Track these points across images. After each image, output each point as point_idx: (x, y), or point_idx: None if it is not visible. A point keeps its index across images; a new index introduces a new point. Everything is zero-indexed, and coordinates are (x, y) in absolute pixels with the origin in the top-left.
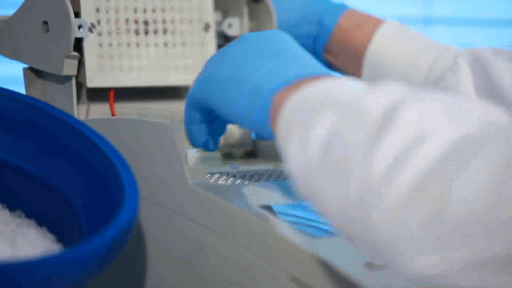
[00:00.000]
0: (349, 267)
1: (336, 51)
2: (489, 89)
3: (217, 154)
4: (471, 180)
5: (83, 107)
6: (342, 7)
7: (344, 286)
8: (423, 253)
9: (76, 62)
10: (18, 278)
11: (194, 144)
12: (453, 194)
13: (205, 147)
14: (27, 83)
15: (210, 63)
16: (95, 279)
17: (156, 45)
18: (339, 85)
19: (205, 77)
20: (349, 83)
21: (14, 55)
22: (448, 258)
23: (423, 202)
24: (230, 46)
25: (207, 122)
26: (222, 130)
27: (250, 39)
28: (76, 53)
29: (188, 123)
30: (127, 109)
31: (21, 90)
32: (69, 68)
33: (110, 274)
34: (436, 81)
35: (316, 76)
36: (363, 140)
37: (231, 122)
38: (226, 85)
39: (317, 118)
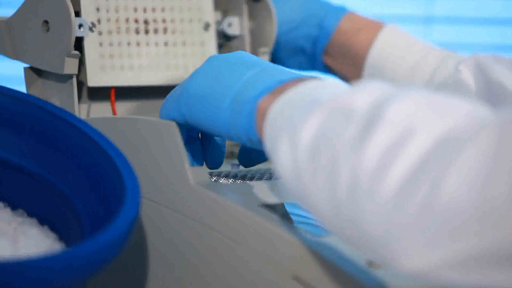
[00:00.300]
0: (351, 265)
1: (336, 54)
2: (491, 96)
3: None
4: (462, 172)
5: (84, 106)
6: (343, 10)
7: (346, 284)
8: (415, 248)
9: (76, 61)
10: (19, 277)
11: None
12: (444, 187)
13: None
14: (28, 82)
15: (181, 84)
16: (96, 277)
17: (156, 44)
18: (322, 85)
19: (180, 95)
20: (332, 83)
21: (14, 55)
22: (441, 253)
23: (413, 198)
24: (199, 67)
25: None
26: (199, 154)
27: (219, 57)
28: (76, 52)
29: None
30: (128, 108)
31: (22, 89)
32: (70, 67)
33: (112, 272)
34: (437, 88)
35: (298, 79)
36: (351, 138)
37: (216, 135)
38: (205, 99)
39: (303, 120)
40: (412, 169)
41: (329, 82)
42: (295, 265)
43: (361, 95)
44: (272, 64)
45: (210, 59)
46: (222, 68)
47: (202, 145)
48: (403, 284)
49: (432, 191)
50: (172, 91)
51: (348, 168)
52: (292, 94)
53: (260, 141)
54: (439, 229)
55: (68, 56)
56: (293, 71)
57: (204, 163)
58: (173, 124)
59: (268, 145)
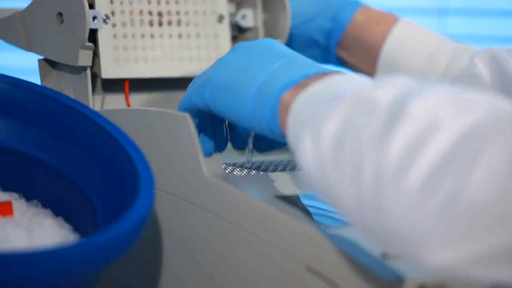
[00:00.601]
0: (365, 256)
1: (350, 47)
2: (506, 89)
3: None
4: (487, 168)
5: (98, 98)
6: (357, 3)
7: (361, 275)
8: (440, 244)
9: (91, 53)
10: (34, 267)
11: (206, 155)
12: (469, 182)
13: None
14: (43, 74)
15: (207, 71)
16: (110, 268)
17: (170, 36)
18: (346, 80)
19: (204, 83)
20: (355, 78)
21: (28, 47)
22: (466, 249)
23: (438, 193)
24: (225, 55)
25: (205, 127)
26: (223, 136)
27: (245, 46)
28: (90, 44)
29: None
30: (142, 99)
31: (36, 81)
32: (84, 59)
33: (126, 263)
34: (453, 81)
35: (322, 74)
36: (374, 132)
37: (239, 125)
38: (229, 89)
39: (327, 114)
40: (436, 164)
41: (353, 77)
42: (310, 256)
43: (385, 89)
44: (297, 55)
45: (236, 48)
46: (248, 58)
47: (228, 126)
48: (418, 276)
49: (457, 186)
50: (197, 77)
51: (372, 162)
52: (316, 89)
53: (282, 135)
54: (464, 224)
55: (82, 48)
56: (319, 64)
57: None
58: (187, 116)
59: (291, 140)
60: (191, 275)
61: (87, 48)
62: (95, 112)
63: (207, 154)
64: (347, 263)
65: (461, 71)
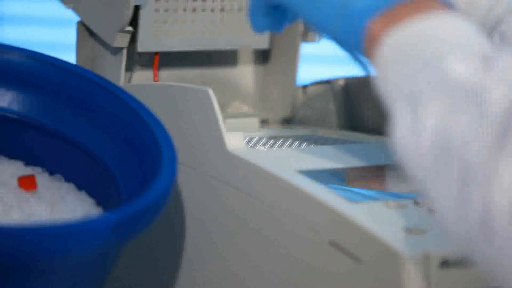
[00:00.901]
0: (388, 231)
1: None
2: None
3: (254, 120)
4: None
5: (127, 73)
6: None
7: (383, 250)
8: None
9: (128, 35)
10: (58, 241)
11: (257, 31)
12: None
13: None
14: (79, 38)
15: None
16: (133, 242)
17: (212, 10)
18: (444, 29)
19: None
20: (456, 24)
21: (71, 2)
22: None
23: None
24: None
25: (275, 11)
26: (291, 19)
27: None
28: (130, 29)
29: (253, 14)
30: (174, 75)
31: (62, 56)
32: (121, 41)
33: (148, 237)
34: (495, 23)
35: (413, 5)
36: (483, 151)
37: (319, 32)
38: None
39: (427, 96)
40: None
41: (452, 23)
42: (333, 231)
43: (496, 84)
44: None
45: None
46: None
47: None
48: (441, 251)
49: None
50: None
51: (480, 195)
52: (411, 33)
53: (366, 61)
54: None
55: (121, 32)
56: None
57: None
58: (209, 91)
59: (380, 85)
60: (212, 248)
61: (126, 31)
62: (117, 87)
63: (279, 29)
64: (371, 238)
65: (503, 14)
